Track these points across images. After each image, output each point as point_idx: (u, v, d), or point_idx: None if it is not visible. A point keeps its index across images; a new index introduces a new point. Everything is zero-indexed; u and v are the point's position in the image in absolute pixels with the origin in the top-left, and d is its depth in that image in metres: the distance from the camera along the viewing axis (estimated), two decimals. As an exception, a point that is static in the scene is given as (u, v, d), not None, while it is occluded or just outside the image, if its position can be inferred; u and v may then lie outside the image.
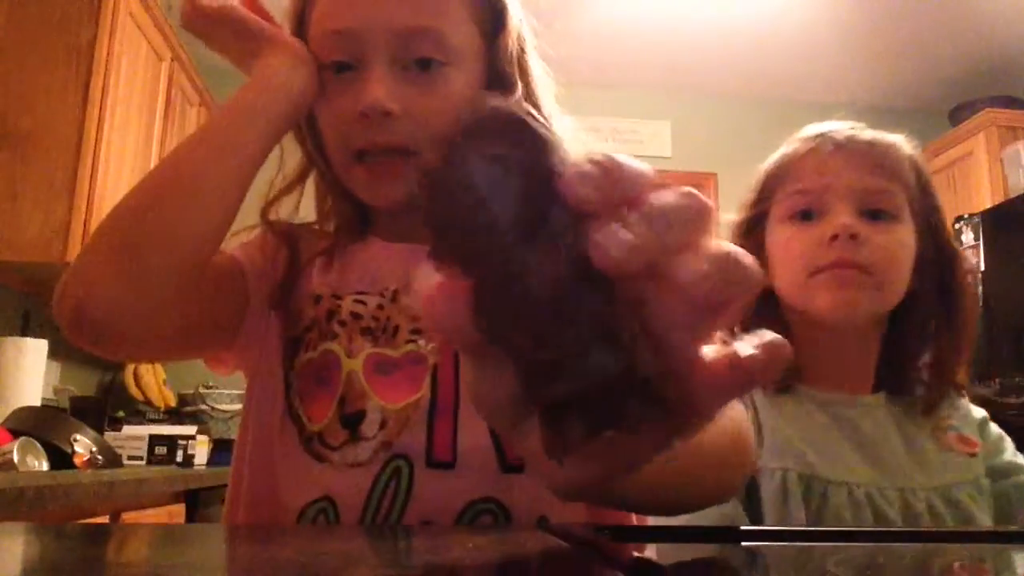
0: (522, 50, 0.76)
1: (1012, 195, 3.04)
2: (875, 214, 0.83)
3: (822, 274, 0.82)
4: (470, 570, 0.38)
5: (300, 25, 0.72)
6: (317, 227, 0.78)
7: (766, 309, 0.85)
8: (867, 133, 0.90)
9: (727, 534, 0.60)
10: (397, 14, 0.66)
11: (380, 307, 0.68)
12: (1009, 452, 0.86)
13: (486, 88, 0.72)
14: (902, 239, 0.84)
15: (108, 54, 2.23)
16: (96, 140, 2.17)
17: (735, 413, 0.54)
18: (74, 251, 2.08)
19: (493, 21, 0.73)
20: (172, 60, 2.73)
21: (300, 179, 0.76)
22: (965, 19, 3.17)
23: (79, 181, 2.12)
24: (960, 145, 3.34)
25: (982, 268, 2.92)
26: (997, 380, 2.78)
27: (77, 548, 0.44)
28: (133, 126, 2.43)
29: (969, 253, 2.99)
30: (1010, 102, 3.36)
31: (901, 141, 0.91)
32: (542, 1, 3.28)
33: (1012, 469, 0.83)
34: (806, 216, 0.86)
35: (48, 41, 2.19)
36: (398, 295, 0.69)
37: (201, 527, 0.58)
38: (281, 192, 0.75)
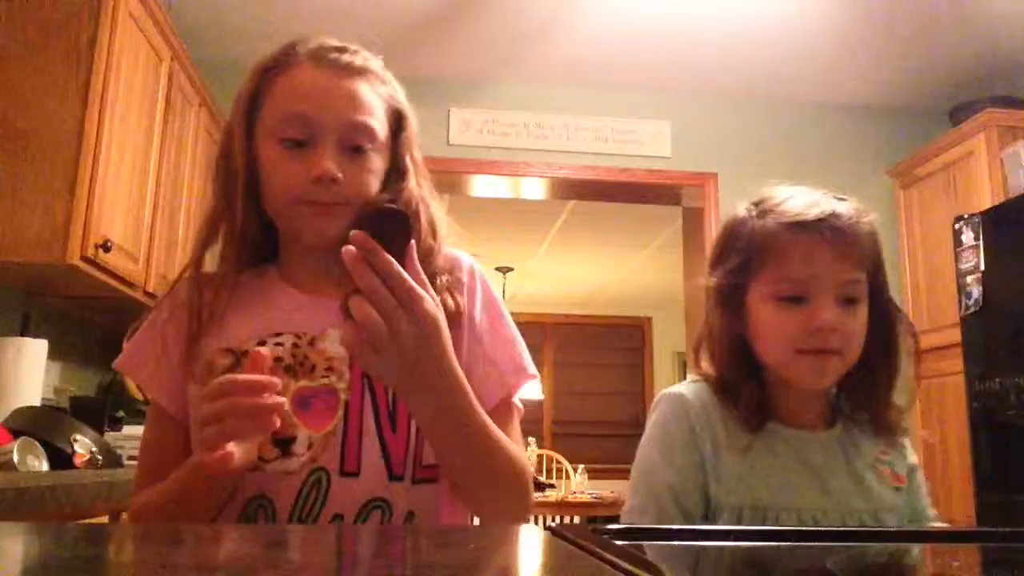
0: (413, 144, 0.99)
1: (1012, 195, 3.04)
2: (848, 300, 0.99)
3: (806, 356, 0.98)
4: (472, 570, 0.38)
5: (252, 103, 0.94)
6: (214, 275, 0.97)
7: (743, 357, 1.03)
8: (843, 214, 1.01)
9: (727, 534, 0.60)
10: (346, 110, 0.91)
11: (296, 346, 0.91)
12: (925, 502, 1.06)
13: (391, 169, 0.97)
14: (864, 319, 1.00)
15: (108, 54, 2.23)
16: (96, 140, 2.17)
17: (518, 459, 0.88)
18: (74, 251, 2.08)
19: (397, 123, 0.98)
20: (172, 60, 2.72)
21: (214, 231, 0.96)
22: (965, 19, 3.17)
23: (79, 181, 2.12)
24: (960, 145, 3.34)
25: (982, 268, 2.92)
26: (997, 380, 2.78)
27: (77, 548, 0.44)
28: (133, 126, 2.43)
29: (969, 253, 2.99)
30: (1010, 102, 3.35)
31: (865, 216, 1.03)
32: (544, 1, 3.31)
33: (923, 515, 1.05)
34: (791, 299, 1.00)
35: (48, 41, 2.19)
36: (315, 340, 0.92)
37: (201, 526, 0.58)
38: (206, 241, 0.96)
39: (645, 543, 0.51)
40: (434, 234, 0.97)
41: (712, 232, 3.67)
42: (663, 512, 0.97)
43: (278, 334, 0.92)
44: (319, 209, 0.90)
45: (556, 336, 7.97)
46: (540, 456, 6.19)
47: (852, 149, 3.82)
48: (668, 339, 7.78)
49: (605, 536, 0.48)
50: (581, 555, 0.41)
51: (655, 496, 0.98)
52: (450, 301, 0.93)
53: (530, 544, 0.47)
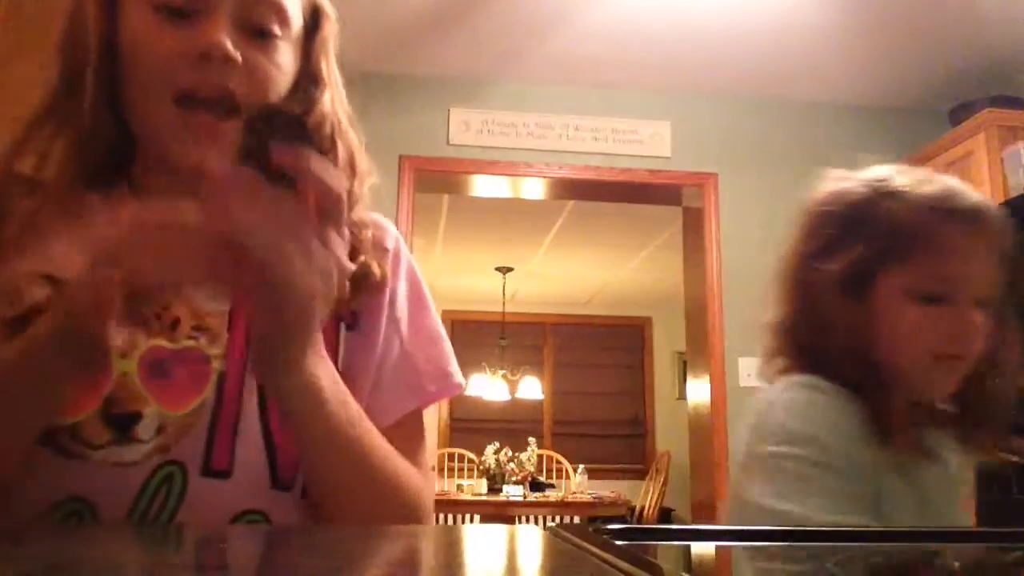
0: (330, 51, 0.77)
1: (1012, 195, 3.04)
2: (982, 303, 0.87)
3: (942, 362, 0.86)
4: (472, 570, 0.38)
5: None
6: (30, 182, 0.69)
7: (869, 358, 0.88)
8: (991, 206, 0.89)
9: (727, 534, 0.60)
10: None
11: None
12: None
13: (301, 75, 0.73)
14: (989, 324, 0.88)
15: (108, 54, 2.23)
16: (96, 140, 2.17)
17: (412, 489, 0.67)
18: (74, 251, 2.08)
19: (313, 18, 0.75)
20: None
21: (43, 125, 0.69)
22: (965, 19, 3.17)
23: (79, 181, 2.12)
24: (960, 145, 3.34)
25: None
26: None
27: (76, 548, 0.44)
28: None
29: (969, 253, 2.98)
30: (1010, 102, 3.35)
31: (1000, 210, 0.90)
32: (544, 1, 3.31)
33: None
34: (934, 298, 0.86)
35: (48, 41, 2.19)
36: (180, 287, 0.65)
37: (199, 527, 0.58)
38: (28, 134, 0.68)
39: (645, 543, 0.51)
40: (353, 172, 0.74)
41: (713, 232, 3.67)
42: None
43: None
44: (200, 119, 0.64)
45: (556, 336, 7.97)
46: (540, 456, 6.20)
47: (852, 149, 3.82)
48: (668, 339, 7.78)
49: (605, 536, 0.48)
50: (581, 555, 0.41)
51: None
52: (373, 265, 0.71)
53: (530, 544, 0.47)
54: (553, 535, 0.47)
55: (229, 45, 0.64)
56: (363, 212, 0.75)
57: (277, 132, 0.52)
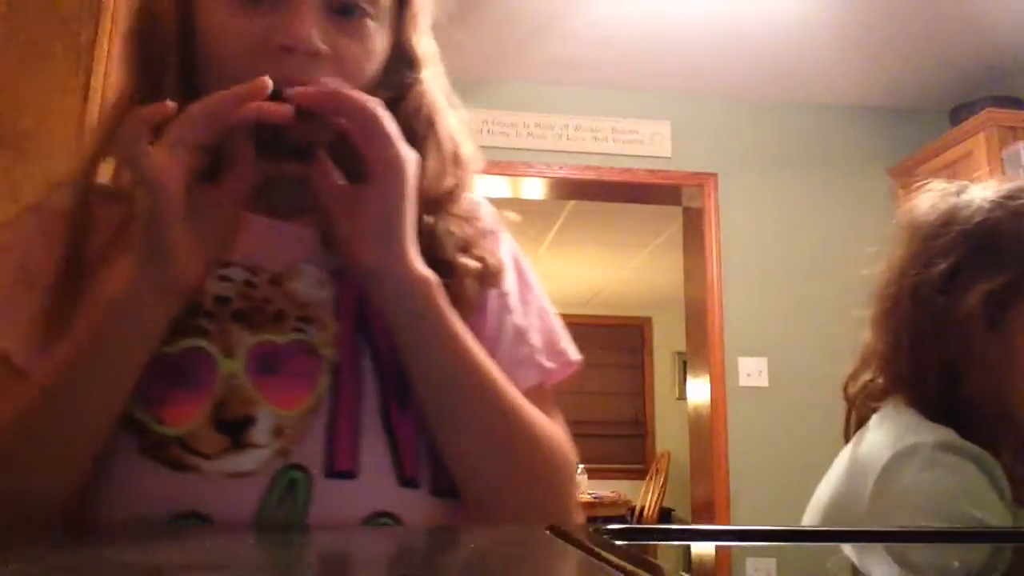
0: (424, 27, 0.71)
1: (1012, 195, 3.04)
2: None
3: None
4: (472, 570, 0.38)
5: None
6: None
7: (1008, 408, 0.79)
8: None
9: (727, 534, 0.60)
10: None
11: (249, 284, 0.61)
12: None
13: (391, 55, 0.66)
14: None
15: (108, 54, 2.23)
16: (96, 140, 2.17)
17: (556, 439, 0.64)
18: (74, 251, 2.08)
19: None
20: (172, 60, 2.73)
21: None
22: (965, 19, 3.17)
23: (79, 181, 2.12)
24: (960, 145, 3.34)
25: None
26: (997, 380, 2.78)
27: (76, 548, 0.44)
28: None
29: (969, 253, 2.98)
30: (1010, 102, 3.35)
31: None
32: (544, 1, 3.31)
33: None
34: None
35: (48, 41, 2.19)
36: (282, 279, 0.62)
37: (198, 526, 0.58)
38: (107, 140, 0.64)
39: (645, 543, 0.51)
40: (456, 159, 0.69)
41: (713, 232, 3.67)
42: None
43: (222, 264, 0.61)
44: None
45: (556, 336, 7.94)
46: (540, 456, 6.19)
47: (852, 149, 3.82)
48: (668, 339, 7.77)
49: (605, 536, 0.48)
50: (581, 555, 0.41)
51: None
52: (489, 255, 0.67)
53: (530, 544, 0.47)
54: (553, 535, 0.47)
55: (315, 38, 0.58)
56: (465, 198, 0.70)
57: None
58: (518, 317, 0.69)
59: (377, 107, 0.56)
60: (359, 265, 0.58)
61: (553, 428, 0.65)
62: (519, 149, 3.68)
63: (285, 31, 0.58)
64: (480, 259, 0.66)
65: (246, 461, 0.57)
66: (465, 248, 0.66)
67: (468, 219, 0.69)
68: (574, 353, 0.72)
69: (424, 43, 0.69)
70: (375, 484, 0.59)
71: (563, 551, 0.43)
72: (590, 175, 3.73)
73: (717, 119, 3.83)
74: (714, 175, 3.74)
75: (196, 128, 0.53)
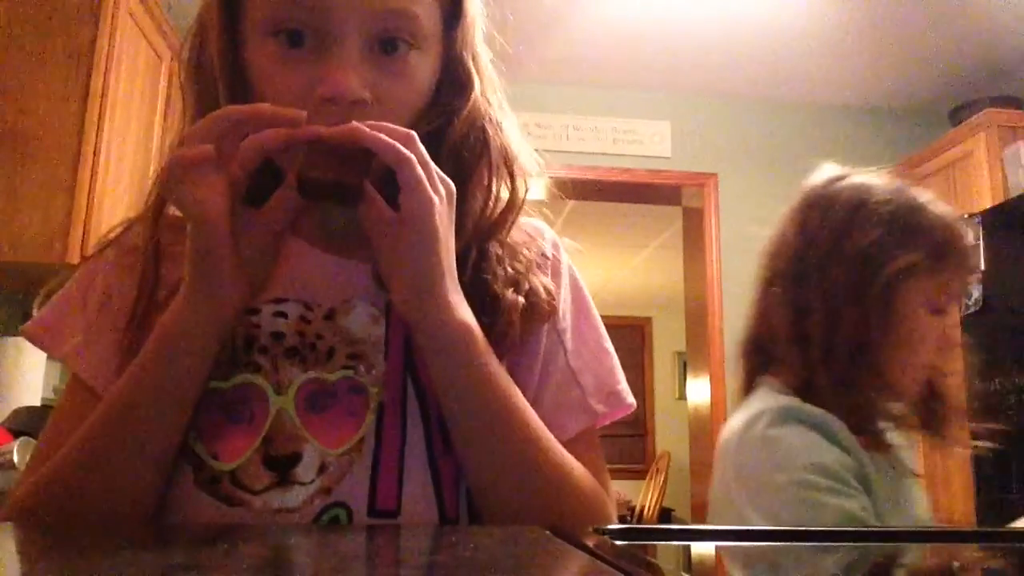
0: (475, 40, 0.70)
1: (1012, 195, 3.04)
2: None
3: (933, 370, 0.94)
4: (472, 570, 0.38)
5: None
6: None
7: (879, 367, 0.93)
8: None
9: (727, 534, 0.60)
10: None
11: (304, 320, 0.62)
12: None
13: (440, 78, 0.65)
14: None
15: (108, 54, 2.23)
16: (96, 140, 2.17)
17: (589, 489, 0.62)
18: (74, 251, 2.08)
19: (453, 6, 0.66)
20: (172, 60, 2.72)
21: None
22: (965, 19, 3.17)
23: (79, 181, 2.12)
24: (960, 145, 3.34)
25: (982, 268, 2.91)
26: (997, 380, 2.78)
27: (76, 548, 0.44)
28: (133, 126, 2.43)
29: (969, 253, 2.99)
30: (1010, 102, 3.35)
31: None
32: (544, 2, 3.30)
33: None
34: (940, 311, 0.94)
35: (48, 41, 2.19)
36: (335, 315, 0.63)
37: (197, 527, 0.58)
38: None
39: (645, 543, 0.51)
40: (511, 176, 0.67)
41: (713, 232, 3.67)
42: None
43: (279, 300, 0.62)
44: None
45: (556, 336, 7.94)
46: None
47: (852, 149, 3.82)
48: (668, 339, 7.78)
49: (605, 536, 0.48)
50: (581, 555, 0.41)
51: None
52: (540, 290, 0.65)
53: (530, 544, 0.47)
54: (553, 535, 0.47)
55: (356, 87, 0.58)
56: (522, 224, 0.69)
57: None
58: (572, 357, 0.67)
59: (407, 145, 0.55)
60: (398, 309, 0.59)
61: (587, 479, 0.64)
62: (519, 149, 3.68)
63: (326, 82, 0.58)
64: (529, 296, 0.64)
65: (291, 498, 0.58)
66: (515, 282, 0.64)
67: (522, 245, 0.67)
68: (628, 396, 0.70)
69: (475, 57, 0.69)
70: (415, 522, 0.59)
71: (563, 551, 0.43)
72: (590, 175, 3.73)
73: (717, 119, 3.83)
74: (714, 175, 3.74)
75: (238, 156, 0.55)
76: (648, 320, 8.09)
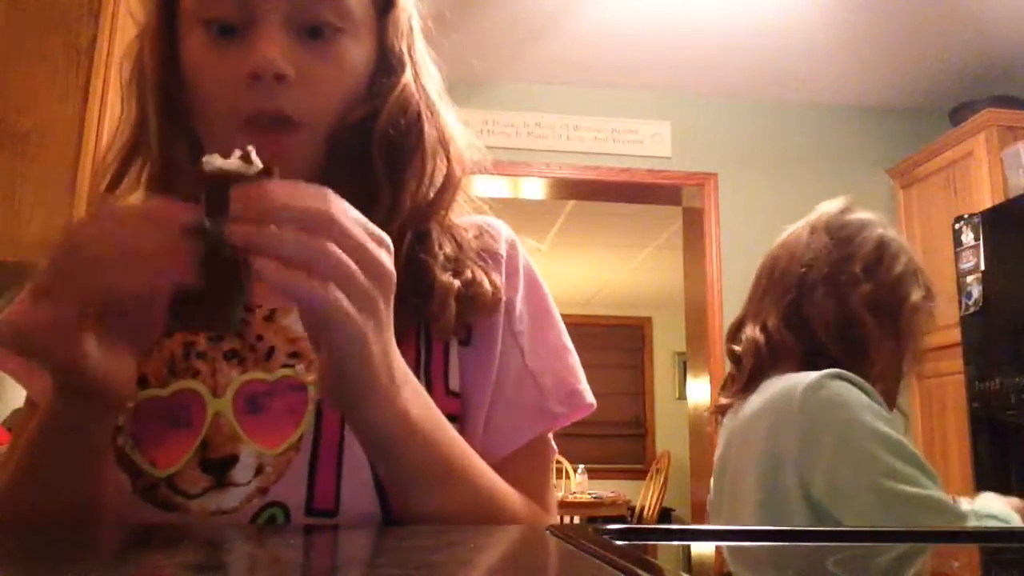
0: (411, 29, 0.69)
1: (1012, 195, 3.04)
2: None
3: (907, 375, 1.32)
4: (472, 570, 0.38)
5: None
6: None
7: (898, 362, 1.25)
8: None
9: (727, 534, 0.60)
10: None
11: (244, 322, 0.60)
12: None
13: (376, 66, 0.65)
14: None
15: (108, 54, 2.23)
16: (96, 140, 2.17)
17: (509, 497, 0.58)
18: (74, 251, 2.07)
19: None
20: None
21: (124, 168, 0.65)
22: (965, 19, 3.17)
23: (79, 181, 2.12)
24: (960, 145, 3.34)
25: (982, 268, 2.92)
26: (997, 380, 2.78)
27: (76, 548, 0.44)
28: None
29: (969, 253, 2.99)
30: (1010, 102, 3.35)
31: None
32: (544, 2, 3.30)
33: None
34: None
35: (48, 41, 2.19)
36: (276, 315, 0.62)
37: (197, 527, 0.58)
38: (113, 182, 0.65)
39: (645, 543, 0.51)
40: (448, 164, 0.67)
41: (713, 232, 3.67)
42: None
43: None
44: (260, 136, 0.56)
45: (556, 336, 7.94)
46: (540, 456, 6.19)
47: (852, 149, 3.82)
48: (668, 339, 7.78)
49: (605, 536, 0.48)
50: (581, 555, 0.41)
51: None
52: (484, 281, 0.63)
53: (530, 544, 0.47)
54: (553, 535, 0.47)
55: (279, 61, 0.58)
56: (466, 215, 0.68)
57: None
58: (529, 358, 0.66)
59: (326, 228, 0.45)
60: (327, 404, 0.57)
61: (524, 511, 0.61)
62: (519, 149, 3.69)
63: (249, 59, 0.58)
64: (471, 285, 0.62)
65: (228, 499, 0.57)
66: (453, 268, 0.63)
67: (466, 234, 0.67)
68: (588, 395, 0.68)
69: (408, 45, 0.68)
70: (356, 523, 0.57)
71: (563, 551, 0.43)
72: (590, 175, 3.73)
73: (717, 119, 3.83)
74: (714, 175, 3.74)
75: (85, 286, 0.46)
76: (648, 320, 8.09)
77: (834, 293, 1.20)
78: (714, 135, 3.81)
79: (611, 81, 3.74)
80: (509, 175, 3.70)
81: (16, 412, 1.94)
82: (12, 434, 0.69)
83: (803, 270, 1.24)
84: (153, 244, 0.45)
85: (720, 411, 1.34)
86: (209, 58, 0.60)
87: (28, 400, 0.67)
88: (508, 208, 0.77)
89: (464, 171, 0.68)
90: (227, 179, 0.45)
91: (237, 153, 0.47)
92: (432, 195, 0.65)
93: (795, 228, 1.35)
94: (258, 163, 0.46)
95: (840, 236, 1.25)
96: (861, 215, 1.29)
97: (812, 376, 1.11)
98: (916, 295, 1.22)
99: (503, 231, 0.72)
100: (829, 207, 1.32)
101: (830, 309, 1.19)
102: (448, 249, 0.65)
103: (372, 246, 0.46)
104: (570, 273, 6.87)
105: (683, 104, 3.83)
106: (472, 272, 0.64)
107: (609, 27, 3.30)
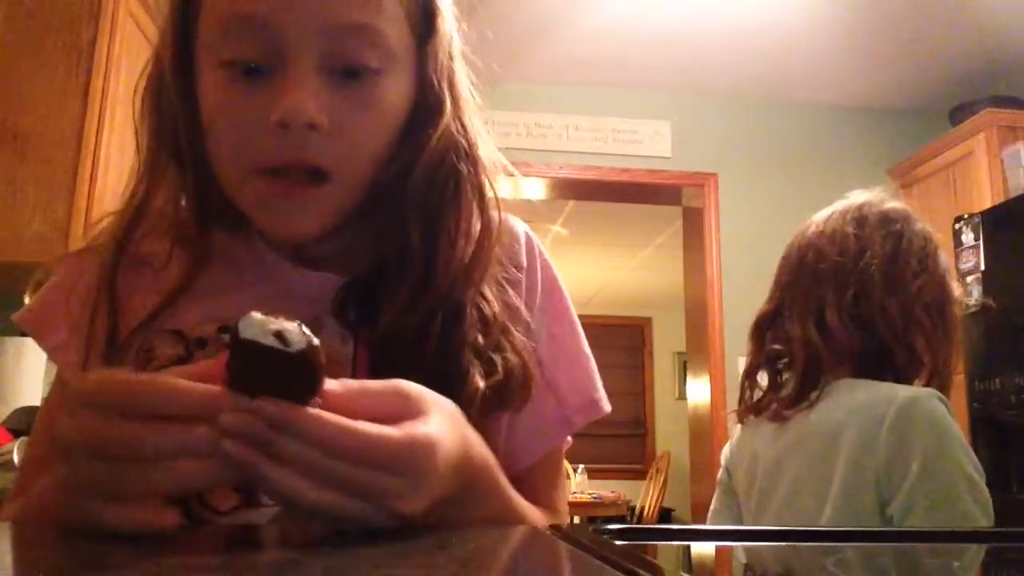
0: (450, 57, 0.65)
1: (1012, 195, 3.04)
2: None
3: None
4: (472, 570, 0.38)
5: (186, 7, 0.58)
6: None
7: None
8: None
9: (727, 534, 0.60)
10: (330, 6, 0.54)
11: None
12: None
13: (415, 101, 0.60)
14: None
15: (108, 54, 2.23)
16: (96, 140, 2.17)
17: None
18: (74, 251, 2.07)
19: (425, 22, 0.61)
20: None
21: (143, 208, 0.63)
22: (965, 19, 3.17)
23: (79, 181, 2.12)
24: (960, 145, 3.34)
25: (982, 268, 2.91)
26: (997, 380, 2.78)
27: (76, 548, 0.44)
28: (133, 126, 2.43)
29: (969, 253, 2.99)
30: (1010, 102, 3.35)
31: None
32: (544, 1, 3.31)
33: None
34: None
35: (48, 41, 2.19)
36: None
37: (196, 527, 0.58)
38: (132, 223, 0.63)
39: (645, 543, 0.51)
40: (482, 211, 0.62)
41: (713, 232, 3.67)
42: None
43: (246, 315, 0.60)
44: (281, 188, 0.55)
45: (556, 336, 7.94)
46: (540, 456, 6.19)
47: (852, 149, 3.82)
48: (668, 339, 7.78)
49: (605, 536, 0.48)
50: (581, 555, 0.41)
51: None
52: (515, 368, 0.59)
53: (530, 544, 0.47)
54: (553, 535, 0.47)
55: (311, 109, 0.53)
56: (495, 268, 0.63)
57: (267, 378, 0.42)
58: (548, 369, 0.64)
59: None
60: None
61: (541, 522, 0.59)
62: (519, 149, 3.69)
63: (278, 105, 0.53)
64: (504, 381, 0.58)
65: (257, 518, 0.56)
66: (487, 358, 0.58)
67: (499, 275, 0.63)
68: (606, 404, 0.67)
69: (450, 78, 0.64)
70: None
71: (563, 551, 0.43)
72: (590, 175, 3.73)
73: (717, 119, 3.83)
74: (714, 175, 3.74)
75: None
76: (648, 320, 8.09)
77: (894, 289, 1.15)
78: (714, 135, 3.81)
79: (611, 81, 3.74)
80: (509, 175, 3.69)
81: (17, 411, 1.94)
82: (40, 412, 0.69)
83: (858, 264, 1.17)
84: (191, 451, 0.41)
85: (753, 410, 1.25)
86: (232, 100, 0.55)
87: (58, 376, 0.65)
88: (508, 208, 0.77)
89: (500, 215, 0.64)
90: (257, 351, 0.41)
91: (281, 321, 0.42)
92: (468, 257, 0.61)
93: (826, 218, 1.26)
94: (298, 343, 0.42)
95: (891, 229, 1.19)
96: (898, 205, 1.25)
97: (906, 392, 1.08)
98: (957, 289, 1.22)
99: (521, 235, 0.70)
100: (868, 197, 1.25)
101: (893, 307, 1.14)
102: (479, 322, 0.60)
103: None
104: (570, 273, 6.88)
105: (683, 104, 3.83)
106: (505, 363, 0.59)
107: (609, 27, 3.30)
